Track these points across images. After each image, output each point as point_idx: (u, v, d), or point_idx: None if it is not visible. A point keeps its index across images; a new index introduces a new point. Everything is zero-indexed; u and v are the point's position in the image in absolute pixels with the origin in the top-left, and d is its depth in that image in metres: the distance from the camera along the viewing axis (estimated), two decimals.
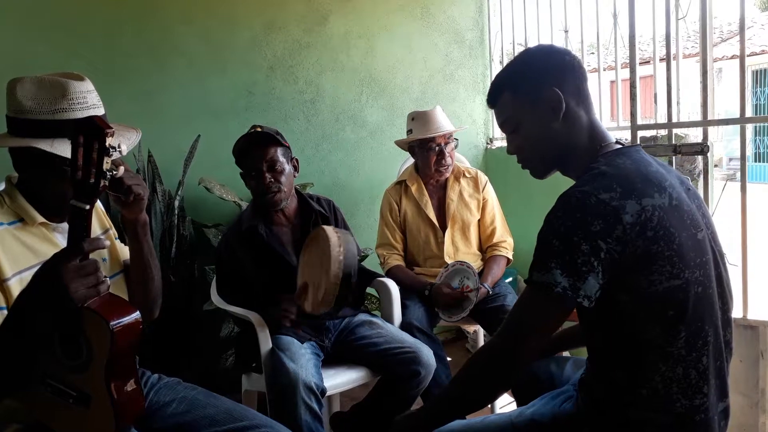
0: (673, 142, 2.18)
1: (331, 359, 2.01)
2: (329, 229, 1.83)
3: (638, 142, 2.30)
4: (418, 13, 3.31)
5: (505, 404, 2.48)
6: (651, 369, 1.05)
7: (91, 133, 0.99)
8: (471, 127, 3.48)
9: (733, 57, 9.75)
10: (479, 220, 2.53)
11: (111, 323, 1.05)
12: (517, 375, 1.09)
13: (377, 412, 1.99)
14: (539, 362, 1.47)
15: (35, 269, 1.04)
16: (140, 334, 1.12)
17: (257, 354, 1.89)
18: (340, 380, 1.94)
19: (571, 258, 1.00)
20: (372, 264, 2.56)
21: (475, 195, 2.53)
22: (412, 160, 2.62)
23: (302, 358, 1.81)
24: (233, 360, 2.46)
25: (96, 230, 1.40)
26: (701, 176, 2.19)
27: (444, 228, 2.49)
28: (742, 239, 2.03)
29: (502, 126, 1.26)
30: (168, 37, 2.68)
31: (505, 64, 1.29)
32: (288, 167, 2.04)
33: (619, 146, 1.16)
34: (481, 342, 2.67)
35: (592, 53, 3.74)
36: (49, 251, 1.12)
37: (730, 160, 10.87)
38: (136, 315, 1.11)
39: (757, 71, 11.09)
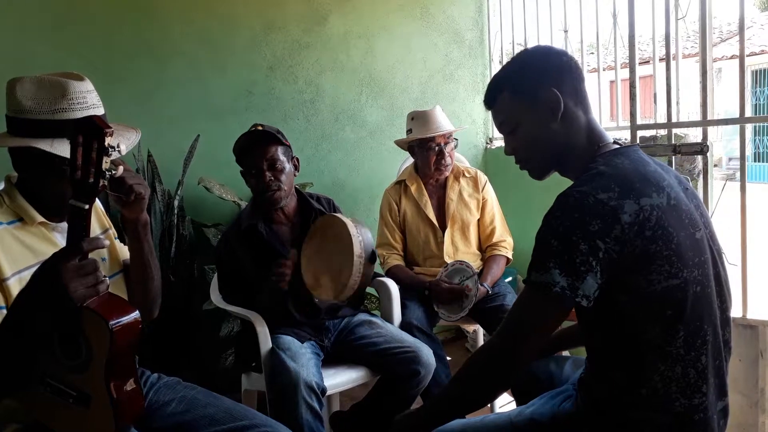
0: (673, 142, 2.18)
1: (330, 359, 2.01)
2: (338, 215, 1.83)
3: (638, 142, 2.30)
4: (417, 13, 3.31)
5: (505, 404, 2.47)
6: (650, 368, 1.05)
7: (90, 133, 0.99)
8: (470, 126, 3.48)
9: (732, 57, 9.76)
10: (479, 220, 2.53)
11: (110, 323, 1.05)
12: (516, 374, 1.09)
13: (377, 411, 1.99)
14: (538, 362, 1.47)
15: (34, 269, 1.04)
16: (140, 333, 1.12)
17: (257, 353, 1.89)
18: (339, 380, 1.95)
19: (570, 258, 1.00)
20: None
21: (474, 195, 2.53)
22: (411, 160, 2.62)
23: (303, 358, 1.81)
24: (233, 359, 2.46)
25: (95, 230, 1.40)
26: (701, 176, 2.19)
27: (443, 228, 2.49)
28: (741, 239, 2.03)
29: (500, 127, 1.26)
30: (168, 37, 2.68)
31: (502, 66, 1.29)
32: (288, 166, 2.04)
33: (617, 146, 1.16)
34: (481, 341, 2.67)
35: (592, 53, 3.74)
36: (48, 251, 1.12)
37: (730, 159, 10.89)
38: (135, 314, 1.11)
39: (756, 71, 11.09)
